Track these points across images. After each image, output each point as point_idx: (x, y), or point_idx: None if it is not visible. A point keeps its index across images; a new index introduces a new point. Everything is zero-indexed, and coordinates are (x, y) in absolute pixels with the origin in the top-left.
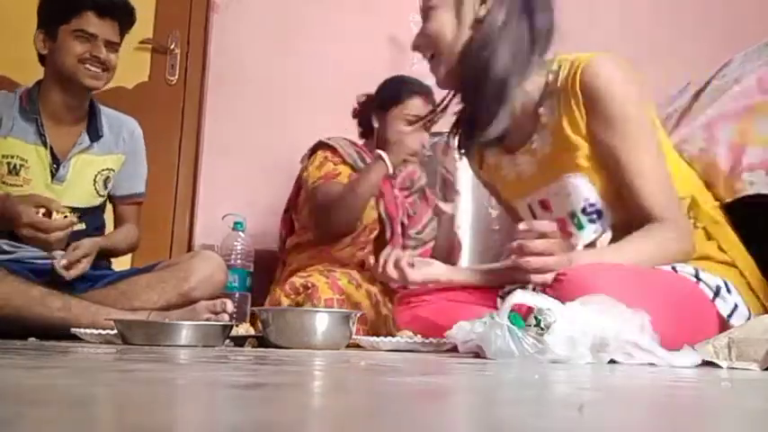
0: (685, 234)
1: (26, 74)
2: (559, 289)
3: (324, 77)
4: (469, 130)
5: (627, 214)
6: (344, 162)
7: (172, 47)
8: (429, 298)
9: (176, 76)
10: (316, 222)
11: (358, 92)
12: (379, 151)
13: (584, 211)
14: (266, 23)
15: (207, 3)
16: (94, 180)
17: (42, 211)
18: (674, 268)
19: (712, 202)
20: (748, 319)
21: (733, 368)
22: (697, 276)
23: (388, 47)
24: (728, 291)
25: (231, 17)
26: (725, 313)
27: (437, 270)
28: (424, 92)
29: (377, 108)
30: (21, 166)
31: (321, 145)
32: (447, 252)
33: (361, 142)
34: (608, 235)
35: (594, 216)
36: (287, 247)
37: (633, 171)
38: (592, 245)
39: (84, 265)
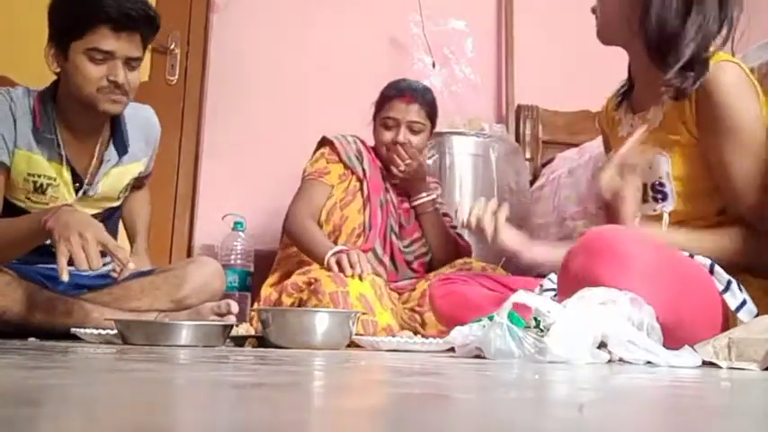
0: (758, 248)
1: (26, 74)
2: (588, 245)
3: (323, 78)
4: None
5: (694, 209)
6: (339, 160)
7: (172, 47)
8: (468, 278)
9: (176, 76)
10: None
11: (358, 92)
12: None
13: (653, 187)
14: (266, 23)
15: (207, 3)
16: (124, 188)
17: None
18: (691, 255)
19: None
20: (756, 316)
21: (733, 368)
22: (711, 269)
23: (389, 47)
24: (740, 289)
25: (231, 17)
26: (733, 306)
27: (537, 250)
28: (405, 94)
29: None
30: (48, 185)
31: (324, 141)
32: (448, 255)
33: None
34: (665, 218)
35: (659, 196)
36: (284, 246)
37: (732, 171)
38: (647, 221)
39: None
